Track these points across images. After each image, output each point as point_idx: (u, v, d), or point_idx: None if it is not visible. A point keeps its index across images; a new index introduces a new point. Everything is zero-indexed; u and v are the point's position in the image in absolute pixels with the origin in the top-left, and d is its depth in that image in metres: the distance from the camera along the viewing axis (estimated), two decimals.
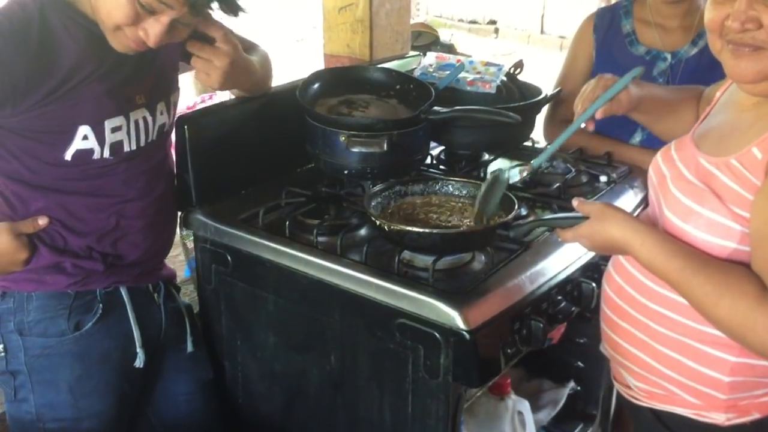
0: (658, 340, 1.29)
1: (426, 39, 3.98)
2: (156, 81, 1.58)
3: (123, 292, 1.62)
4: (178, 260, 2.84)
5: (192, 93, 4.20)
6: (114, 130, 1.50)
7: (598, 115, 1.58)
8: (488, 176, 1.57)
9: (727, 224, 1.16)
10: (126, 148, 1.53)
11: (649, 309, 1.30)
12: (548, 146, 1.58)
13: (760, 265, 1.11)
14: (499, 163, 2.03)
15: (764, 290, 1.08)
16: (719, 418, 1.27)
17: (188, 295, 1.97)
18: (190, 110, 1.83)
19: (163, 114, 1.61)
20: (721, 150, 1.22)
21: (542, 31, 9.50)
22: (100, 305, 1.59)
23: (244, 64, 1.65)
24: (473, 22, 10.13)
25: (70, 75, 1.42)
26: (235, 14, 1.49)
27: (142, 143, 1.56)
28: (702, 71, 1.88)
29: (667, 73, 2.00)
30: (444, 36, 4.56)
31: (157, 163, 1.64)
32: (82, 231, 1.55)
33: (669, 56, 2.00)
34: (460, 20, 10.22)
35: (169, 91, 1.64)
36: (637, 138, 2.04)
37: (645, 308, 1.31)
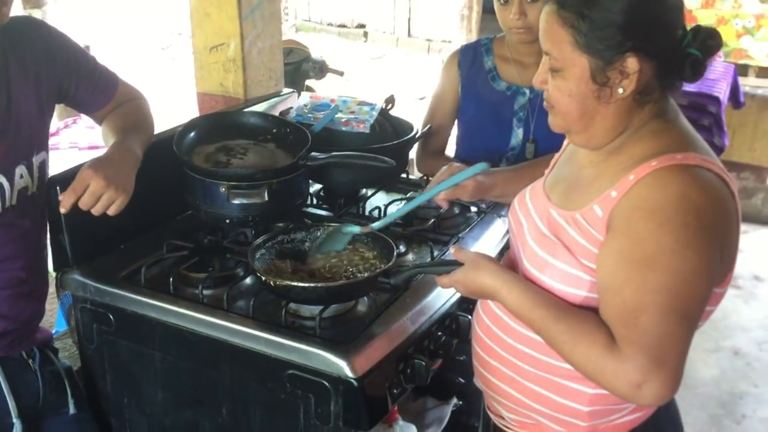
0: (524, 377, 1.41)
1: (297, 56, 3.99)
2: (11, 144, 1.52)
3: None
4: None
5: (54, 118, 4.01)
6: None
7: (442, 195, 1.68)
8: (329, 229, 1.69)
9: (577, 275, 1.29)
10: None
11: (515, 348, 1.41)
12: (388, 215, 1.68)
13: (607, 315, 1.23)
14: (378, 198, 2.11)
15: (612, 338, 1.20)
16: None
17: (67, 350, 1.92)
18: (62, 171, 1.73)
19: (23, 177, 1.55)
20: (568, 203, 1.35)
21: (409, 35, 9.71)
22: None
23: (126, 167, 1.60)
24: (342, 26, 10.20)
25: None
26: None
27: None
28: None
29: (527, 107, 2.14)
30: (315, 44, 4.56)
31: (23, 230, 1.57)
32: None
33: (528, 91, 2.14)
34: (329, 24, 10.25)
35: (29, 152, 1.57)
36: (513, 140, 2.17)
37: (511, 348, 1.42)
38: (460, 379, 2.23)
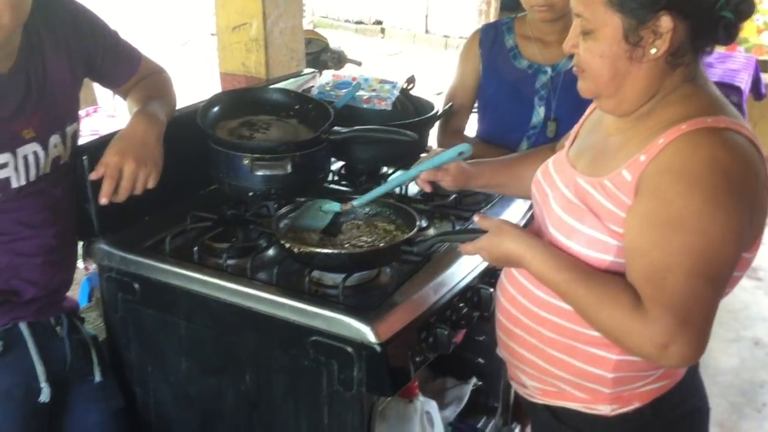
0: (548, 344, 1.41)
1: (316, 46, 4.00)
2: (47, 113, 1.54)
3: (23, 327, 1.58)
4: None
5: None
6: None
7: (423, 176, 1.65)
8: (306, 204, 1.68)
9: (604, 240, 1.28)
10: (14, 185, 1.49)
11: (539, 316, 1.41)
12: (369, 192, 1.66)
13: (634, 277, 1.23)
14: (397, 176, 2.11)
15: (638, 300, 1.21)
16: (605, 410, 1.40)
17: (92, 322, 1.94)
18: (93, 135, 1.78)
19: (57, 147, 1.58)
20: (595, 170, 1.35)
21: (427, 31, 9.73)
22: (1, 342, 1.55)
23: (152, 139, 1.63)
24: (359, 22, 10.24)
25: None
26: None
27: (32, 178, 1.52)
28: None
29: (548, 85, 2.14)
30: (333, 41, 4.58)
31: (55, 198, 1.60)
32: None
33: (549, 69, 2.15)
34: (347, 21, 10.29)
35: (64, 122, 1.60)
36: (535, 119, 2.16)
37: (535, 315, 1.42)
38: (480, 359, 2.24)
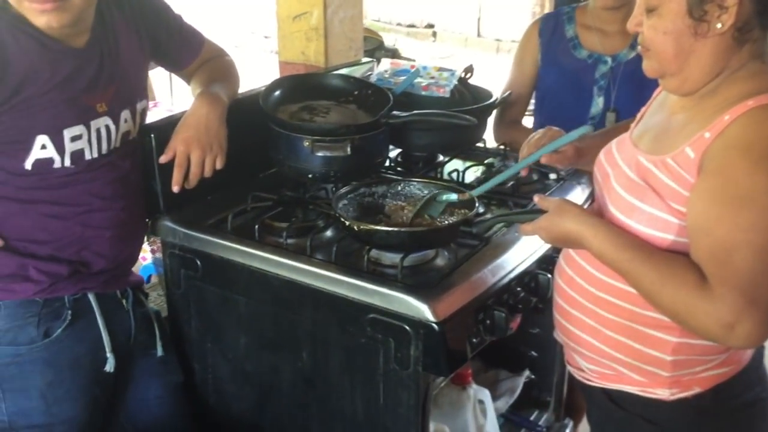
0: (606, 326, 1.39)
1: (371, 44, 4.07)
2: (119, 88, 1.60)
3: (91, 298, 1.63)
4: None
5: None
6: (74, 138, 1.52)
7: (543, 160, 1.65)
8: (426, 196, 1.68)
9: (665, 218, 1.27)
10: (87, 156, 1.55)
11: (597, 297, 1.40)
12: (489, 180, 1.66)
13: (698, 256, 1.21)
14: (455, 164, 2.12)
15: (703, 279, 1.19)
16: (664, 394, 1.38)
17: (153, 301, 1.99)
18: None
19: (127, 122, 1.64)
20: (658, 149, 1.33)
21: (479, 34, 9.70)
22: (69, 312, 1.60)
23: (215, 121, 1.69)
24: (411, 26, 10.27)
25: (22, 86, 1.44)
26: None
27: (104, 151, 1.58)
28: (640, 74, 1.97)
29: (608, 75, 2.12)
30: (387, 40, 4.64)
31: (125, 172, 1.65)
32: (44, 240, 1.56)
33: (610, 60, 2.13)
34: (399, 24, 10.34)
35: (134, 98, 1.65)
36: (594, 109, 2.14)
37: (594, 297, 1.41)
38: (533, 352, 2.22)
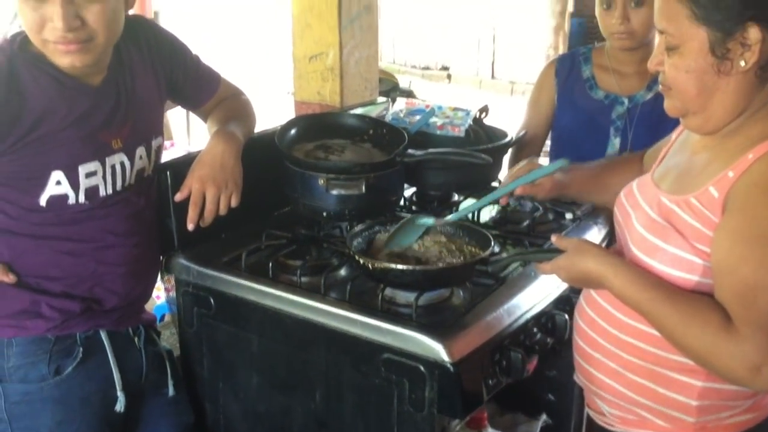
0: (629, 369, 1.36)
1: (386, 85, 4.10)
2: (135, 125, 1.61)
3: (103, 335, 1.62)
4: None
5: None
6: (88, 175, 1.53)
7: (517, 192, 1.66)
8: (403, 220, 1.69)
9: (690, 259, 1.24)
10: (102, 193, 1.56)
11: (619, 339, 1.37)
12: (463, 208, 1.67)
13: (723, 296, 1.19)
14: (468, 203, 2.11)
15: (728, 320, 1.16)
16: None
17: (166, 340, 1.97)
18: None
19: (142, 159, 1.64)
20: (680, 189, 1.31)
21: (493, 76, 9.79)
22: (81, 349, 1.59)
23: (230, 159, 1.69)
24: (426, 68, 10.39)
25: (39, 123, 1.45)
26: None
27: (119, 187, 1.59)
28: (657, 115, 1.99)
29: (625, 116, 2.12)
30: (402, 82, 4.69)
31: (139, 209, 1.65)
32: (57, 276, 1.56)
33: (626, 100, 2.12)
34: (414, 66, 10.46)
35: (149, 135, 1.66)
36: (610, 150, 2.14)
37: (616, 339, 1.37)
38: (551, 395, 2.17)
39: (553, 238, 1.41)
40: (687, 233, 1.26)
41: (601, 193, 1.69)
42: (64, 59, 1.45)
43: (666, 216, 1.30)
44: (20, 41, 1.48)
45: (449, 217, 1.65)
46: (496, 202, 1.76)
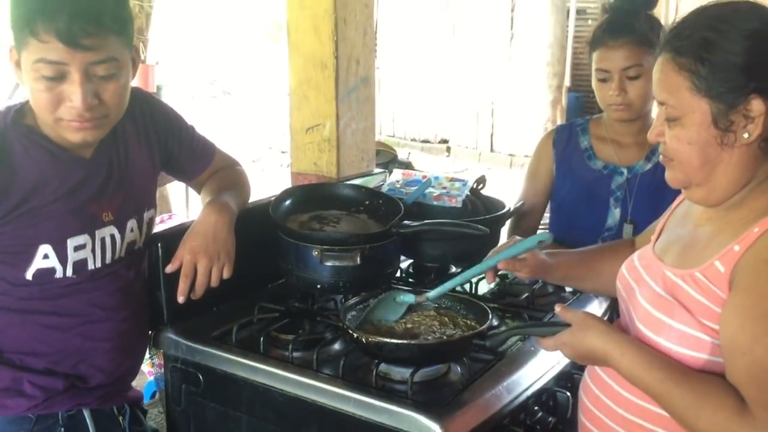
0: None
1: (384, 157, 4.12)
2: (126, 197, 1.59)
3: (86, 414, 1.56)
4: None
5: None
6: (77, 248, 1.50)
7: (500, 266, 1.61)
8: (381, 296, 1.65)
9: (697, 336, 1.20)
10: (90, 266, 1.52)
11: (626, 419, 1.31)
12: (445, 283, 1.62)
13: (736, 377, 1.13)
14: (475, 267, 2.06)
15: (742, 403, 1.11)
16: None
17: (153, 419, 1.90)
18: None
19: (133, 231, 1.62)
20: (685, 262, 1.27)
21: (492, 149, 9.87)
22: (62, 429, 1.53)
23: (223, 230, 1.66)
24: (425, 141, 10.49)
25: (29, 196, 1.44)
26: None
27: (108, 260, 1.56)
28: (657, 185, 1.98)
29: (625, 186, 2.10)
30: (401, 155, 4.72)
31: (128, 282, 1.62)
32: (41, 352, 1.52)
33: (625, 171, 2.11)
34: (413, 139, 10.57)
35: (141, 208, 1.64)
36: (610, 220, 2.11)
37: (622, 419, 1.31)
38: None
39: (557, 309, 1.36)
40: (693, 309, 1.21)
41: (589, 278, 1.65)
42: (76, 135, 1.44)
43: (671, 291, 1.26)
44: (13, 114, 1.47)
45: (430, 294, 1.60)
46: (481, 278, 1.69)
